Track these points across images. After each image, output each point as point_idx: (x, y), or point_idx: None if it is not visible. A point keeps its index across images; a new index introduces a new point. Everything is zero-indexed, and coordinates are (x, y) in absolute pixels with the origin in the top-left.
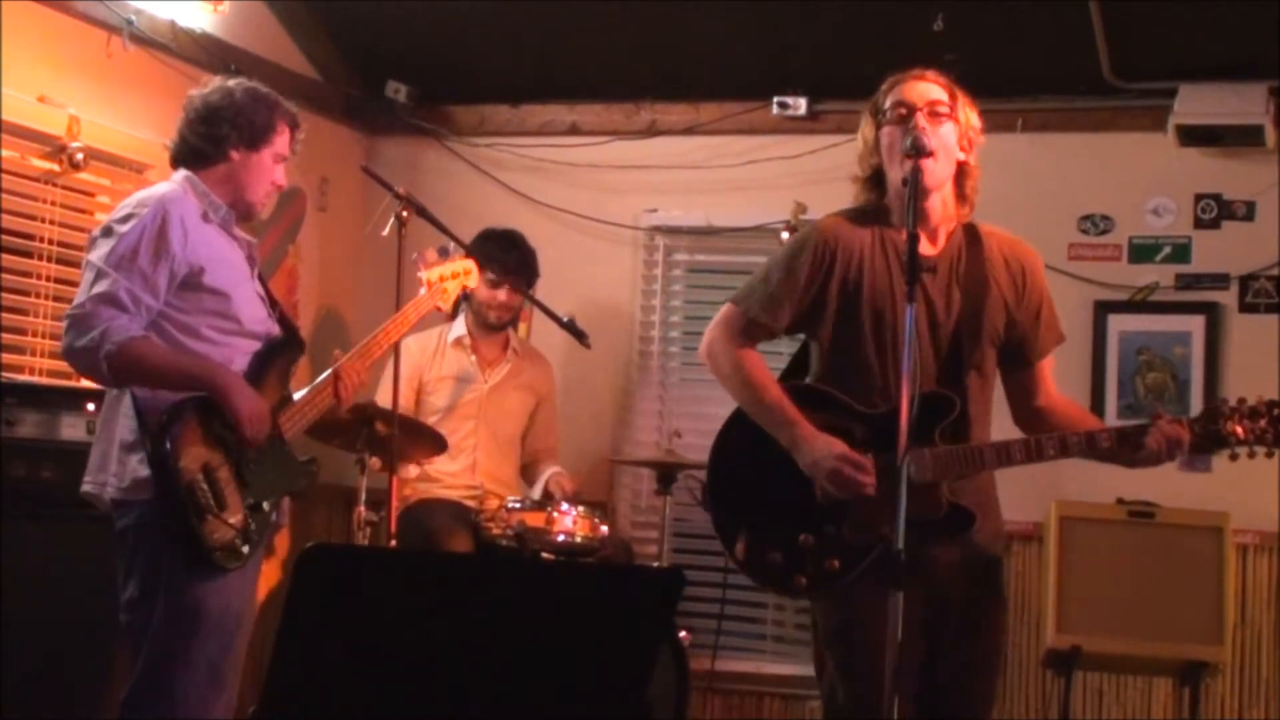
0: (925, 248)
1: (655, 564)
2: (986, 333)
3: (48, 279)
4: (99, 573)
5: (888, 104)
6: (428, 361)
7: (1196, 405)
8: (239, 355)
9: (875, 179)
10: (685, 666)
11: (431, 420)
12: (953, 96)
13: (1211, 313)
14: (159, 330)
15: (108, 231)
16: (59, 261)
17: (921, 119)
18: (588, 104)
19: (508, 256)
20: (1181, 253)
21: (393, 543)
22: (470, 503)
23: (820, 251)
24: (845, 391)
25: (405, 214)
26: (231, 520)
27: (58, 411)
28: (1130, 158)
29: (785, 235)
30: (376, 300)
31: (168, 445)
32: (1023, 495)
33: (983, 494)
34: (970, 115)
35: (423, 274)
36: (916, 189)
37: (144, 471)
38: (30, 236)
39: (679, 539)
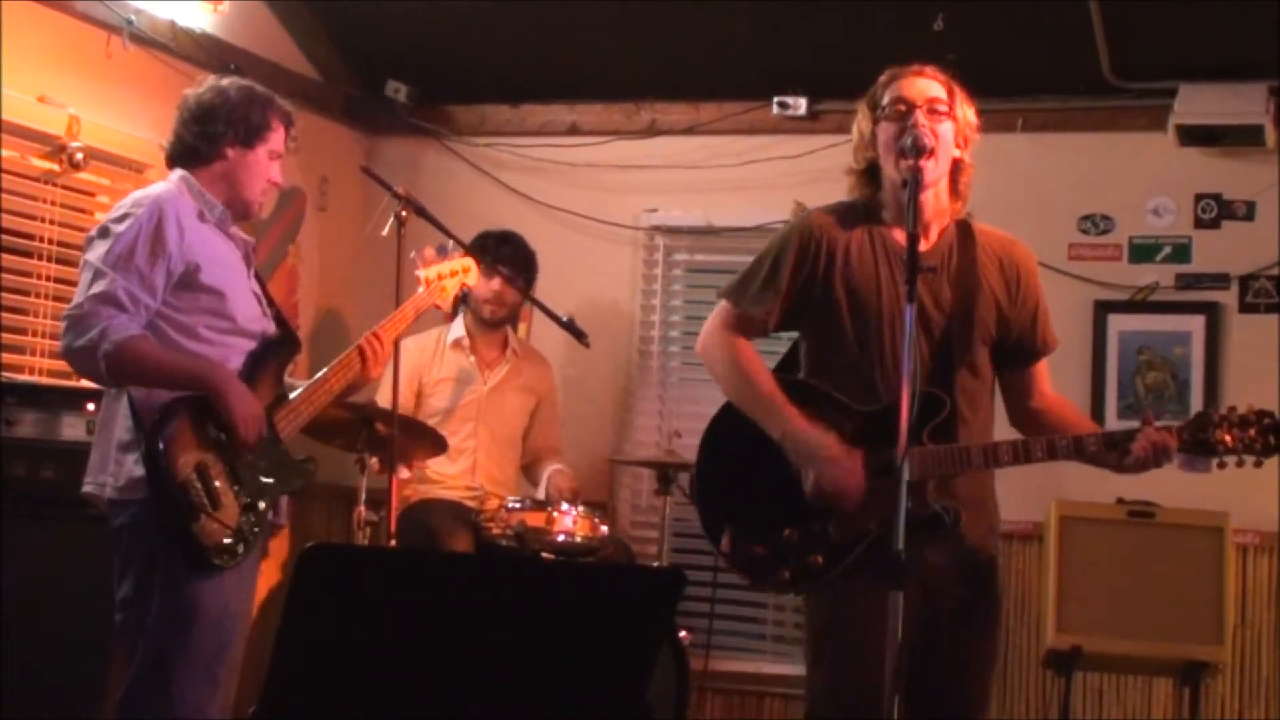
0: (919, 244)
1: (655, 564)
2: (978, 331)
3: (48, 279)
4: (98, 572)
5: (886, 99)
6: (427, 363)
7: (1196, 405)
8: (235, 354)
9: (870, 173)
10: (685, 666)
11: (431, 421)
12: (951, 93)
13: (1211, 313)
14: (156, 330)
15: (104, 232)
16: (59, 261)
17: (920, 117)
18: (588, 104)
19: (501, 249)
20: (1181, 253)
21: (393, 543)
22: (470, 503)
23: (805, 245)
24: (833, 387)
25: (405, 214)
26: (226, 519)
27: (58, 411)
28: (1130, 157)
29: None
30: (376, 300)
31: (160, 444)
32: (1023, 495)
33: (975, 493)
34: (967, 112)
35: (421, 272)
36: (916, 189)
37: (139, 471)
38: (30, 236)
39: (679, 539)
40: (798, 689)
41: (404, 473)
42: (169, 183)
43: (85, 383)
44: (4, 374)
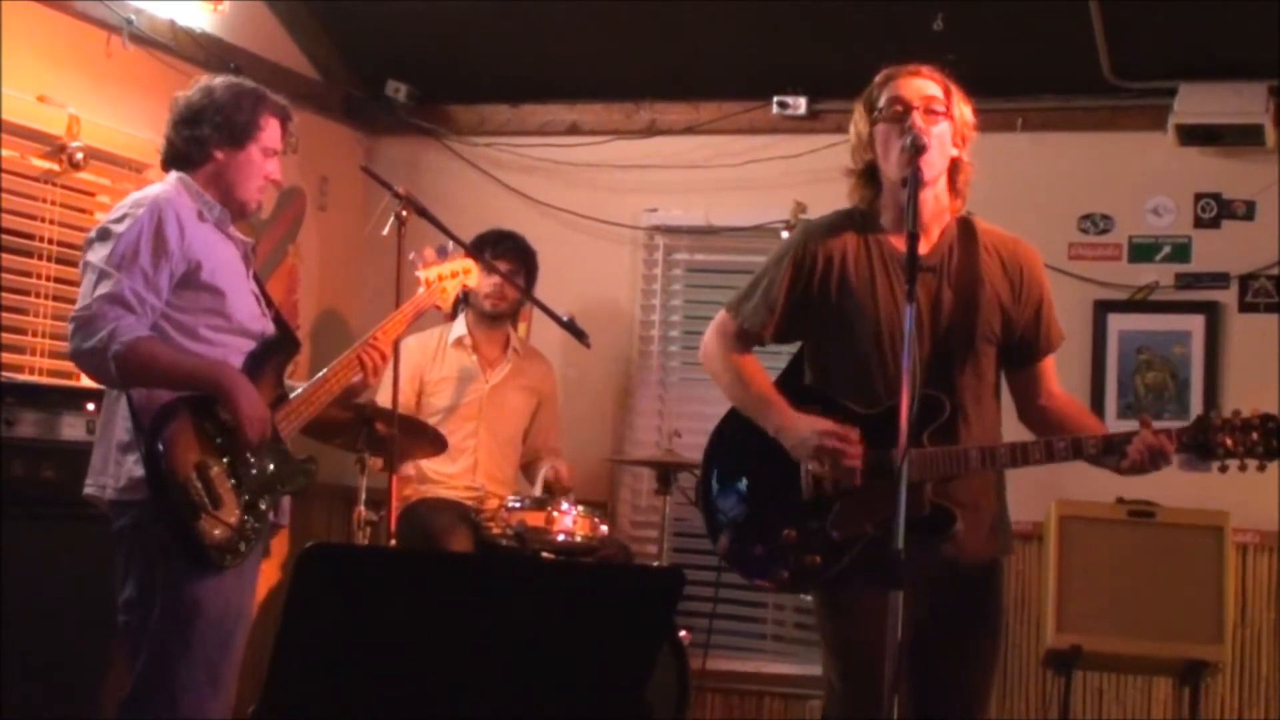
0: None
1: (655, 563)
2: (981, 331)
3: (48, 279)
4: (98, 573)
5: (883, 100)
6: (428, 362)
7: (1196, 405)
8: (234, 354)
9: (868, 173)
10: (685, 666)
11: (432, 420)
12: (947, 93)
13: (1211, 312)
14: (157, 330)
15: (104, 233)
16: (59, 261)
17: (918, 118)
18: (587, 104)
19: (500, 244)
20: (1181, 252)
21: (392, 542)
22: (470, 502)
23: (800, 259)
24: (834, 394)
25: (405, 213)
26: (227, 519)
27: (57, 411)
28: (1130, 157)
29: (785, 235)
30: (376, 300)
31: (160, 445)
32: (1023, 495)
33: (974, 495)
34: (964, 111)
35: (421, 273)
36: (916, 189)
37: (139, 472)
38: (30, 236)
39: (679, 538)
40: (798, 688)
41: (408, 469)
42: (166, 184)
43: (85, 382)
44: (4, 374)
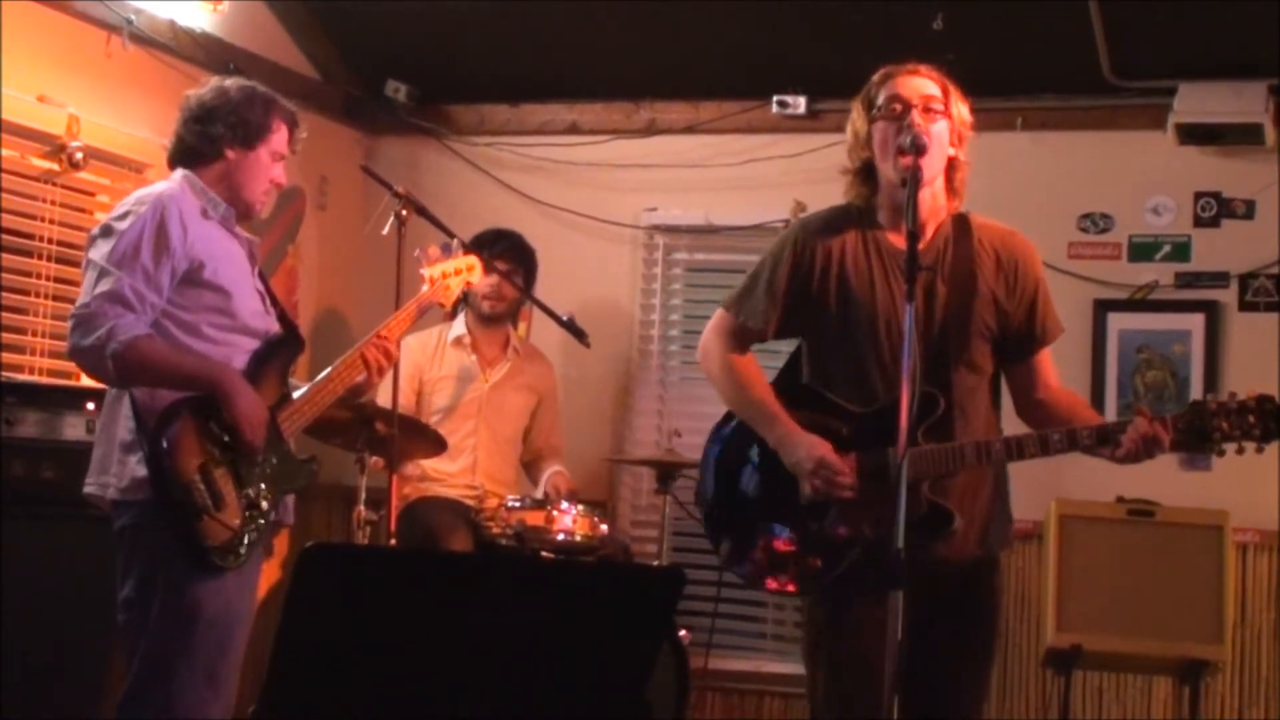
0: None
1: (655, 563)
2: (975, 327)
3: (48, 278)
4: (98, 572)
5: (881, 99)
6: (428, 361)
7: None
8: (239, 353)
9: (866, 172)
10: (685, 666)
11: (432, 420)
12: (945, 92)
13: (1211, 311)
14: (159, 328)
15: (107, 231)
16: (59, 261)
17: (916, 116)
18: (587, 103)
19: (497, 244)
20: (1181, 251)
21: (392, 542)
22: (470, 501)
23: (799, 255)
24: (831, 391)
25: (405, 213)
26: (229, 520)
27: (58, 411)
28: (1130, 156)
29: None
30: (376, 299)
31: (164, 445)
32: (1022, 493)
33: (970, 494)
34: (962, 110)
35: (425, 270)
36: (915, 188)
37: (142, 472)
38: (30, 236)
39: (679, 538)
40: (798, 688)
41: (412, 469)
42: (171, 181)
43: (86, 382)
44: (4, 373)
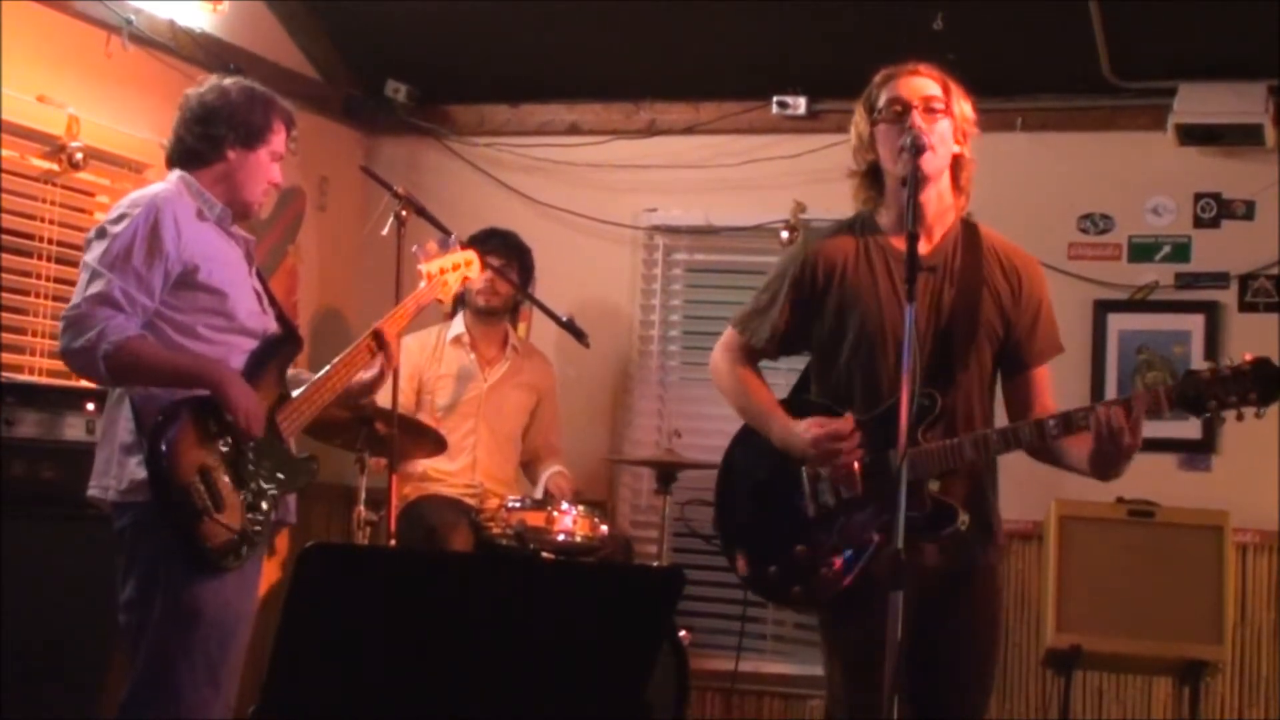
0: (920, 246)
1: (655, 563)
2: (983, 329)
3: (47, 278)
4: (98, 573)
5: (883, 100)
6: (427, 360)
7: None
8: (236, 353)
9: (871, 173)
10: (685, 666)
11: (430, 419)
12: (946, 90)
13: (1211, 312)
14: (155, 330)
15: (101, 233)
16: (58, 261)
17: (918, 117)
18: (587, 103)
19: (489, 241)
20: (1181, 252)
21: (392, 541)
22: (470, 501)
23: (801, 274)
24: (839, 402)
25: (404, 213)
26: (229, 521)
27: (57, 411)
28: (1130, 157)
29: (785, 235)
30: (376, 299)
31: (163, 446)
32: (1023, 494)
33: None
34: (964, 107)
35: (423, 266)
36: (916, 188)
37: (142, 474)
38: (30, 236)
39: (679, 538)
40: (797, 688)
41: (414, 467)
42: (167, 183)
43: (86, 383)
44: (4, 373)
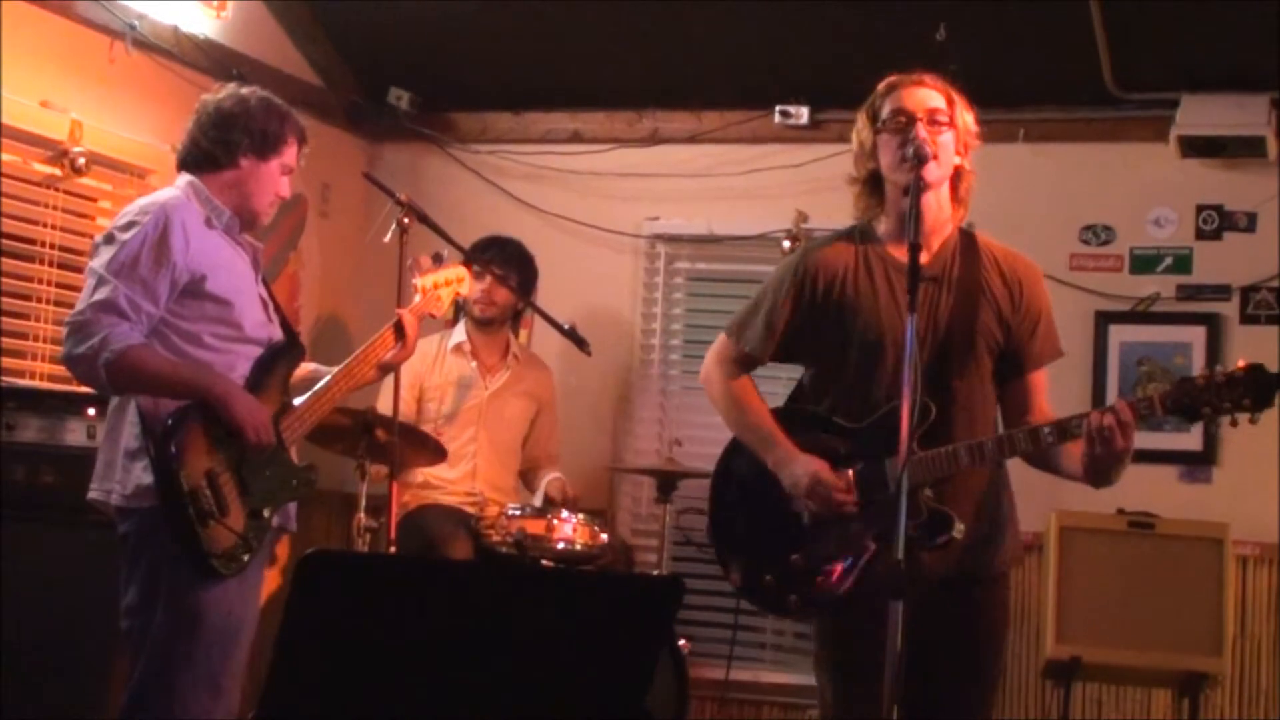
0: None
1: (655, 572)
2: (982, 336)
3: (49, 284)
4: (99, 577)
5: (886, 111)
6: (428, 368)
7: None
8: (241, 361)
9: (871, 181)
10: (685, 675)
11: (431, 427)
12: (950, 102)
13: (1212, 324)
14: (161, 338)
15: (110, 239)
16: (60, 266)
17: (922, 129)
18: (590, 112)
19: (489, 249)
20: (1183, 263)
21: (392, 549)
22: (470, 509)
23: (800, 283)
24: (834, 410)
25: (407, 221)
26: (234, 527)
27: (59, 416)
28: (1132, 168)
29: (786, 244)
30: (378, 307)
31: (172, 450)
32: (1023, 505)
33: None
34: (967, 119)
35: (417, 280)
36: (918, 200)
37: (147, 479)
38: (32, 241)
39: (679, 547)
40: (797, 698)
41: (417, 474)
42: (176, 189)
43: (87, 388)
44: (5, 378)
